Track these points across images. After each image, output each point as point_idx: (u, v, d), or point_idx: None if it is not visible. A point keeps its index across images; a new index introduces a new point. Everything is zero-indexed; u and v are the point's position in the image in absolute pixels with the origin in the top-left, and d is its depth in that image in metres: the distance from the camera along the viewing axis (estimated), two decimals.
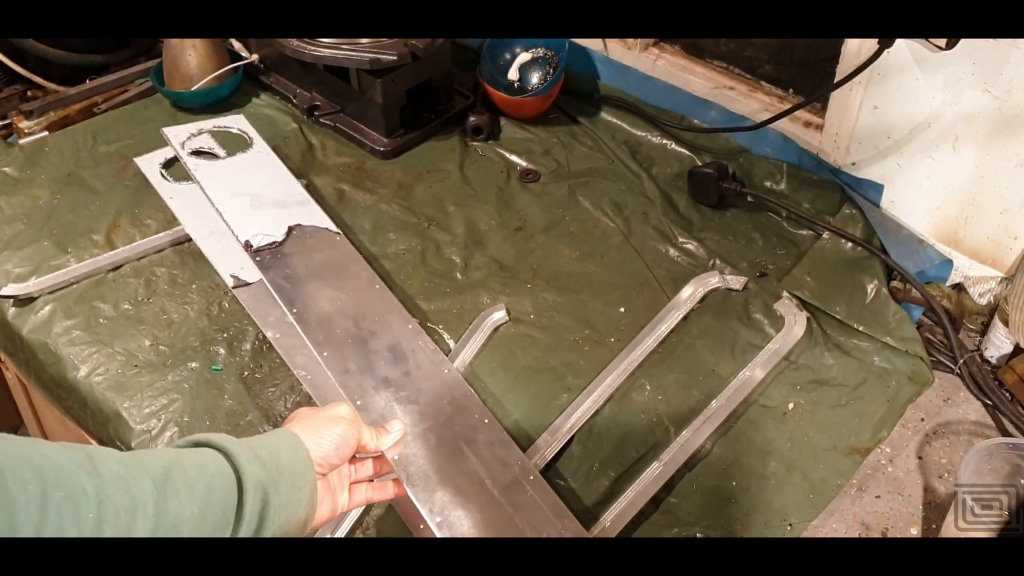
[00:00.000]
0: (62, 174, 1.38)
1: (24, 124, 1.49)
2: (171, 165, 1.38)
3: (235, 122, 1.42)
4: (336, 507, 0.73)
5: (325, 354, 0.97)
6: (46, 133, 1.48)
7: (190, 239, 1.22)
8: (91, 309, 1.13)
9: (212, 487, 0.57)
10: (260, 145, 1.36)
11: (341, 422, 0.72)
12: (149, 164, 1.37)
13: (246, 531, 0.58)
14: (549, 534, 0.77)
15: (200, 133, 1.38)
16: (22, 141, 1.46)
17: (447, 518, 0.77)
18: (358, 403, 0.89)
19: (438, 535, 0.74)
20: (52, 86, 1.57)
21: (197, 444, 0.62)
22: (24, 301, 1.15)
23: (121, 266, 1.20)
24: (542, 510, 0.81)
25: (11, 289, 1.14)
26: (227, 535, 0.57)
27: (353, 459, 0.77)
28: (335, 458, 0.70)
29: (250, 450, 0.61)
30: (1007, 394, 1.02)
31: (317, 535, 0.88)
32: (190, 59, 1.46)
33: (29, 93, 1.59)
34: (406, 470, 0.79)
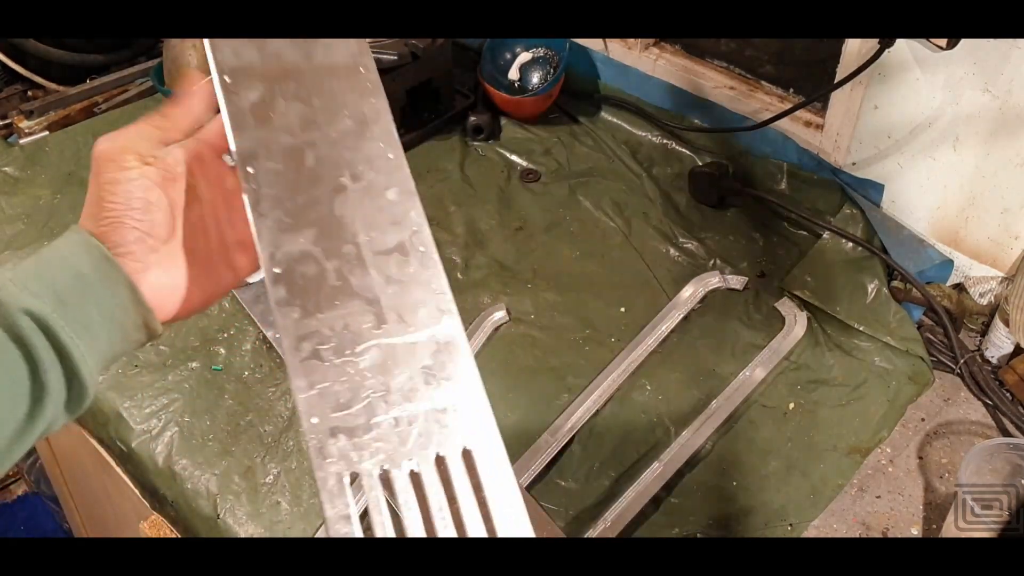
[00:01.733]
0: (63, 174, 1.38)
1: (25, 124, 1.49)
2: None
3: None
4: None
5: None
6: (47, 133, 1.48)
7: None
8: None
9: None
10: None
11: (112, 171, 0.51)
12: None
13: (56, 381, 0.46)
14: (415, 321, 0.56)
15: None
16: (23, 141, 1.46)
17: (291, 275, 0.54)
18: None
19: (272, 294, 0.54)
20: (52, 86, 1.57)
21: None
22: None
23: None
24: (420, 290, 0.57)
25: None
26: (27, 395, 0.45)
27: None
28: (150, 229, 0.51)
29: (16, 281, 0.47)
30: (1008, 394, 1.02)
31: (318, 534, 0.88)
32: (190, 59, 1.46)
33: (30, 93, 1.59)
34: (257, 190, 0.55)
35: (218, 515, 0.91)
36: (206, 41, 0.57)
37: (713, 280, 1.15)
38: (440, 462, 0.53)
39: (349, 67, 0.61)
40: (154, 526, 0.98)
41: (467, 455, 0.54)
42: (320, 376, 0.53)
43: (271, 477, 0.94)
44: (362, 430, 0.52)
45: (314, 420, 0.51)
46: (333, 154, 0.59)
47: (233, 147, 0.55)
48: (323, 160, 0.58)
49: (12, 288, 0.46)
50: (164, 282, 0.53)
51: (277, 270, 0.54)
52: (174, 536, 0.97)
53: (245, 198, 0.54)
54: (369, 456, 0.52)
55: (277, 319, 0.53)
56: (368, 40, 1.42)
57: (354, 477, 0.51)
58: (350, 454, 0.51)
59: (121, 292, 0.50)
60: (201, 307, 0.56)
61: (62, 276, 0.48)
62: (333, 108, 0.60)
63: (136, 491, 1.02)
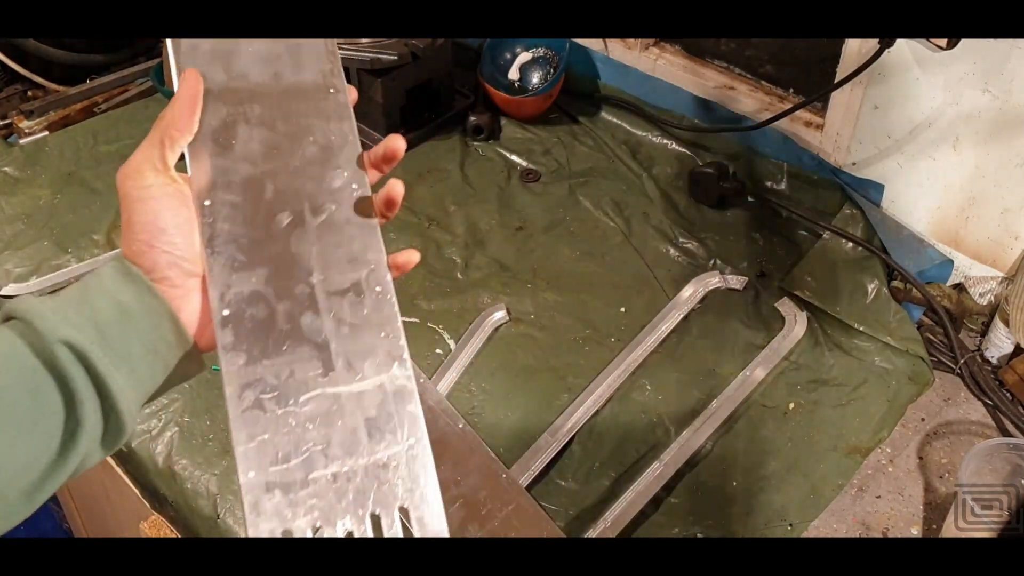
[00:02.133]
0: (63, 174, 1.38)
1: (25, 124, 1.49)
2: None
3: None
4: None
5: None
6: (47, 133, 1.48)
7: None
8: None
9: (9, 376, 0.43)
10: None
11: (133, 189, 0.49)
12: None
13: (92, 414, 0.45)
14: (364, 368, 0.54)
15: None
16: (23, 141, 1.46)
17: (239, 318, 0.51)
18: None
19: (219, 338, 0.51)
20: (52, 86, 1.57)
21: (5, 319, 0.46)
22: None
23: None
24: (372, 334, 0.55)
25: (12, 289, 1.15)
26: (60, 429, 0.44)
27: None
28: (187, 253, 0.50)
29: (56, 310, 0.46)
30: (1008, 394, 1.02)
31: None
32: None
33: (30, 93, 1.59)
34: (212, 226, 0.52)
35: (218, 515, 0.91)
36: (171, 64, 0.55)
37: (713, 280, 1.15)
38: (376, 521, 0.51)
39: (319, 87, 0.58)
40: (154, 526, 0.98)
41: (404, 513, 0.51)
42: (260, 428, 0.50)
43: None
44: (299, 485, 0.50)
45: (251, 474, 0.49)
46: (294, 185, 0.55)
47: (191, 178, 0.53)
48: (283, 192, 0.55)
49: (52, 318, 0.45)
50: (205, 310, 0.51)
51: (226, 312, 0.51)
52: (174, 536, 0.97)
53: (198, 234, 0.52)
54: (304, 513, 0.50)
55: (222, 365, 0.50)
56: (367, 40, 1.42)
57: (286, 535, 0.49)
58: (284, 511, 0.49)
59: (163, 324, 0.49)
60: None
61: (103, 306, 0.47)
62: (298, 134, 0.57)
63: (136, 491, 1.02)
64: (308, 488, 0.50)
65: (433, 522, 0.51)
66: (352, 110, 0.58)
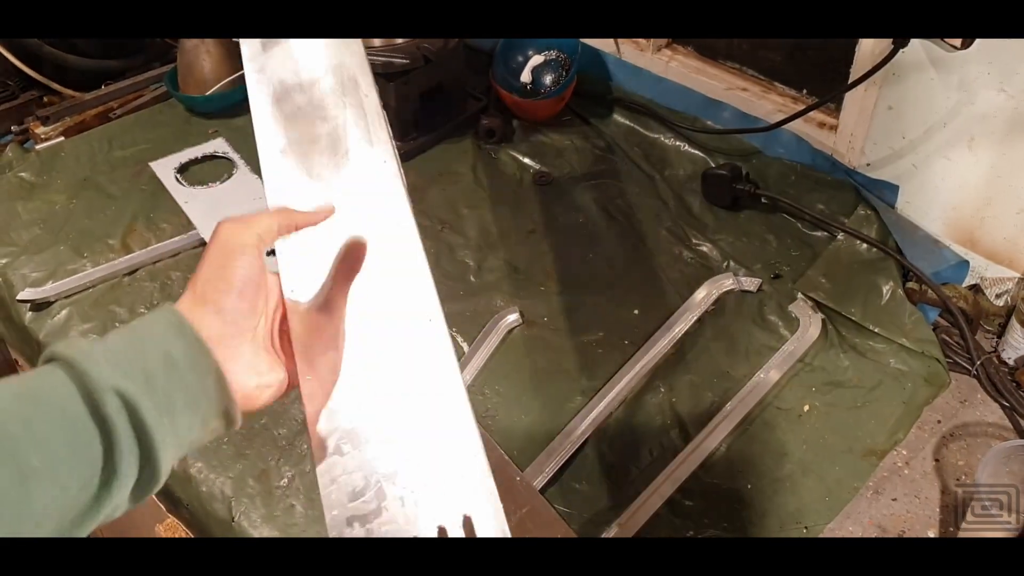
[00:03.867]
0: (78, 179, 1.39)
1: (41, 130, 1.51)
2: (186, 169, 1.39)
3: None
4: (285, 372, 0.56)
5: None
6: (62, 138, 1.50)
7: (205, 243, 1.23)
8: (107, 313, 1.14)
9: (53, 424, 0.42)
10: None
11: (235, 254, 0.52)
12: (164, 169, 1.38)
13: (130, 466, 0.44)
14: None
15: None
16: (39, 146, 1.47)
17: None
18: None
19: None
20: (68, 92, 1.59)
21: (49, 359, 0.46)
22: (41, 305, 1.16)
23: (137, 270, 1.21)
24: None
25: (28, 293, 1.15)
26: (96, 478, 0.43)
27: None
28: (248, 317, 0.52)
29: (108, 357, 0.46)
30: None
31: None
32: (204, 64, 1.47)
33: (45, 99, 1.60)
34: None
35: (233, 518, 0.92)
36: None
37: (727, 282, 1.15)
38: (442, 533, 0.53)
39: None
40: (170, 529, 0.99)
41: (467, 522, 0.54)
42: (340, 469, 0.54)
43: (285, 480, 0.94)
44: (373, 515, 0.53)
45: (335, 512, 0.53)
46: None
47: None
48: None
49: (105, 366, 0.45)
50: (250, 372, 0.53)
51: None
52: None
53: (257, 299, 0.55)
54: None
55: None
56: (379, 43, 1.42)
57: None
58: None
59: (208, 380, 0.49)
60: (282, 397, 0.56)
61: (152, 356, 0.47)
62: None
63: None
64: (381, 516, 0.54)
65: (496, 526, 0.54)
66: None
